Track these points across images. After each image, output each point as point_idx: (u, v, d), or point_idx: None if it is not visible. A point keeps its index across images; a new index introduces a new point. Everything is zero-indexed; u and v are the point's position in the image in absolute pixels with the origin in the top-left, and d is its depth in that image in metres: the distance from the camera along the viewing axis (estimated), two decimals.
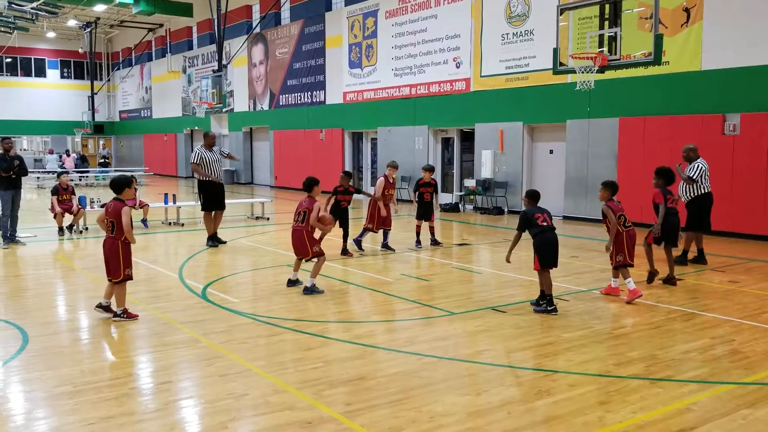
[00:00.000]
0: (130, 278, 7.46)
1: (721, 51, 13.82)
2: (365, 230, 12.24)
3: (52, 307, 8.30)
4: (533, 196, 8.00)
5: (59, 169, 29.47)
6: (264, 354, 6.23)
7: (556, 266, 7.76)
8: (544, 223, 7.70)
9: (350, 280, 9.54)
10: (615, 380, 5.51)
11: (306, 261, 8.81)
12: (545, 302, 7.69)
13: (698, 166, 10.64)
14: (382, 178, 12.29)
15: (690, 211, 10.80)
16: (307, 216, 8.58)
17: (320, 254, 8.65)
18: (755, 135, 13.20)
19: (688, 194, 10.78)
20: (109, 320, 7.35)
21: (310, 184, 8.84)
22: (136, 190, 8.29)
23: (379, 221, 11.99)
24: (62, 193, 14.29)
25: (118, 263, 7.27)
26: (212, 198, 12.71)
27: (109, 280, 7.42)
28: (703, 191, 10.69)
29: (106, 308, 7.45)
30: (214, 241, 12.68)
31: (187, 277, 9.69)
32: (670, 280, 9.23)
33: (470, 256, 12.03)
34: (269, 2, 29.02)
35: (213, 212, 12.80)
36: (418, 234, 12.64)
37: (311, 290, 8.59)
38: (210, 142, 12.77)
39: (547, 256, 7.66)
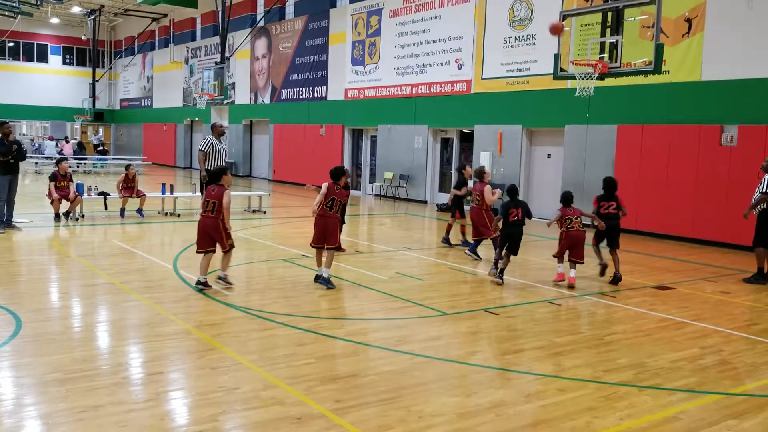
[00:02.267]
0: (233, 246, 8.71)
1: (721, 62, 13.86)
2: (481, 239, 11.41)
3: (45, 294, 8.32)
4: (512, 191, 9.84)
5: (58, 155, 29.44)
6: (256, 348, 6.25)
7: (516, 255, 9.51)
8: (515, 218, 9.42)
9: (345, 276, 9.57)
10: (604, 386, 5.54)
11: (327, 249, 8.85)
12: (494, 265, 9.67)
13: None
14: (488, 186, 11.37)
15: (759, 224, 10.26)
16: (335, 203, 8.93)
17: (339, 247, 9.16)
18: (752, 146, 13.24)
19: (759, 207, 10.22)
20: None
21: (338, 174, 9.12)
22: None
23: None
24: (60, 180, 14.27)
25: (221, 237, 8.47)
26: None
27: (201, 252, 8.50)
28: None
29: (205, 284, 8.39)
30: None
31: (182, 269, 9.71)
32: (616, 279, 9.76)
33: (465, 257, 12.04)
34: None
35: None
36: (447, 233, 12.95)
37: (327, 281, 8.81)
38: (219, 131, 13.04)
39: (511, 246, 9.45)
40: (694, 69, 14.30)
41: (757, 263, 10.40)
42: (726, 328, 7.54)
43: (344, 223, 11.46)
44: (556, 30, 10.60)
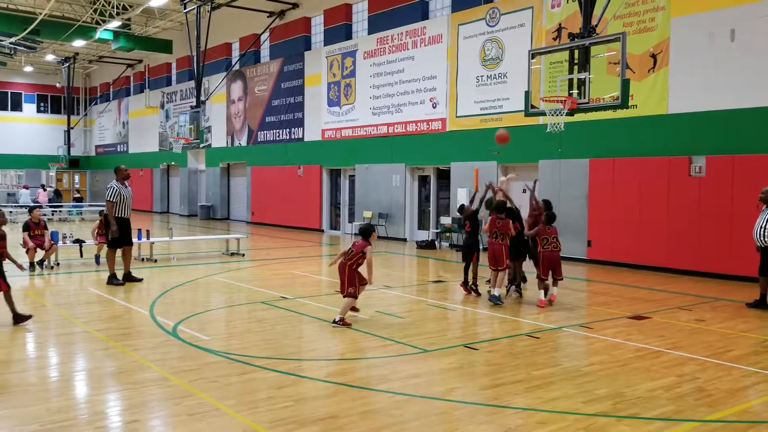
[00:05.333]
0: (353, 296, 9.09)
1: (686, 95, 14.26)
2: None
3: (20, 344, 8.19)
4: (460, 210, 11.87)
5: (32, 204, 29.20)
6: (235, 393, 6.21)
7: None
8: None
9: (323, 317, 9.56)
10: (582, 418, 5.58)
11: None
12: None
13: None
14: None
15: (763, 254, 10.36)
16: (505, 235, 10.60)
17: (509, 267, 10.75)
18: (720, 176, 13.55)
19: (763, 238, 10.26)
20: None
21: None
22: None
23: None
24: (34, 228, 14.15)
25: (344, 280, 9.15)
26: (122, 234, 12.41)
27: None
28: None
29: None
30: (128, 278, 12.41)
31: (159, 315, 9.63)
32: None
33: (445, 294, 12.08)
34: (249, 40, 29.36)
35: (121, 249, 12.51)
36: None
37: (497, 298, 10.41)
38: (124, 174, 12.55)
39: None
40: (661, 102, 14.68)
41: (762, 290, 10.47)
42: (701, 355, 7.63)
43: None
44: (501, 139, 12.08)
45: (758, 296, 10.55)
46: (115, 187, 12.32)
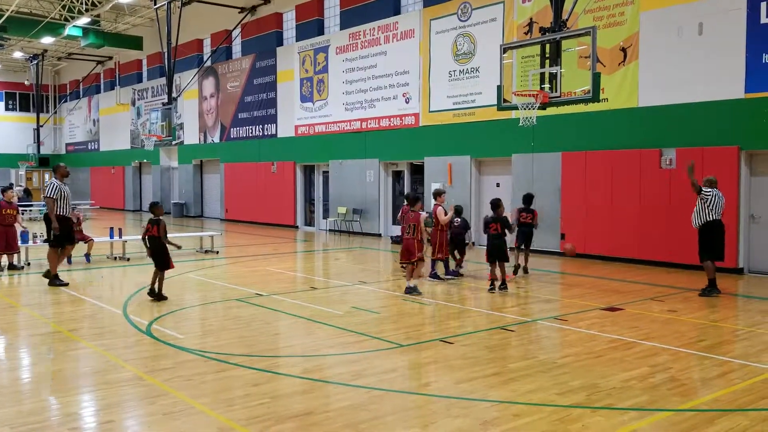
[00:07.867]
0: (422, 260, 11.13)
1: (656, 89, 14.43)
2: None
3: None
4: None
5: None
6: (210, 391, 6.16)
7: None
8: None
9: (299, 313, 9.53)
10: (558, 409, 5.63)
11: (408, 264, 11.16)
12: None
13: (708, 196, 10.92)
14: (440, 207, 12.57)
15: (702, 238, 11.01)
16: (416, 228, 11.10)
17: (421, 260, 11.10)
18: None
19: (697, 221, 10.99)
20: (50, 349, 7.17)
21: (416, 200, 11.64)
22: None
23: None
24: (5, 207, 13.73)
25: (413, 251, 10.96)
26: (66, 233, 12.18)
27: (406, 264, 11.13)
28: (710, 218, 10.85)
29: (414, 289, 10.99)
30: (58, 279, 12.16)
31: (132, 313, 9.52)
32: (522, 270, 12.99)
33: (420, 288, 12.10)
34: (220, 36, 29.10)
35: (61, 248, 12.24)
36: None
37: (413, 289, 10.97)
38: (63, 172, 12.25)
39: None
40: (631, 96, 14.84)
41: (707, 276, 10.89)
42: (674, 345, 7.74)
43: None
44: (571, 252, 13.05)
45: (707, 283, 10.95)
46: (56, 184, 12.04)
